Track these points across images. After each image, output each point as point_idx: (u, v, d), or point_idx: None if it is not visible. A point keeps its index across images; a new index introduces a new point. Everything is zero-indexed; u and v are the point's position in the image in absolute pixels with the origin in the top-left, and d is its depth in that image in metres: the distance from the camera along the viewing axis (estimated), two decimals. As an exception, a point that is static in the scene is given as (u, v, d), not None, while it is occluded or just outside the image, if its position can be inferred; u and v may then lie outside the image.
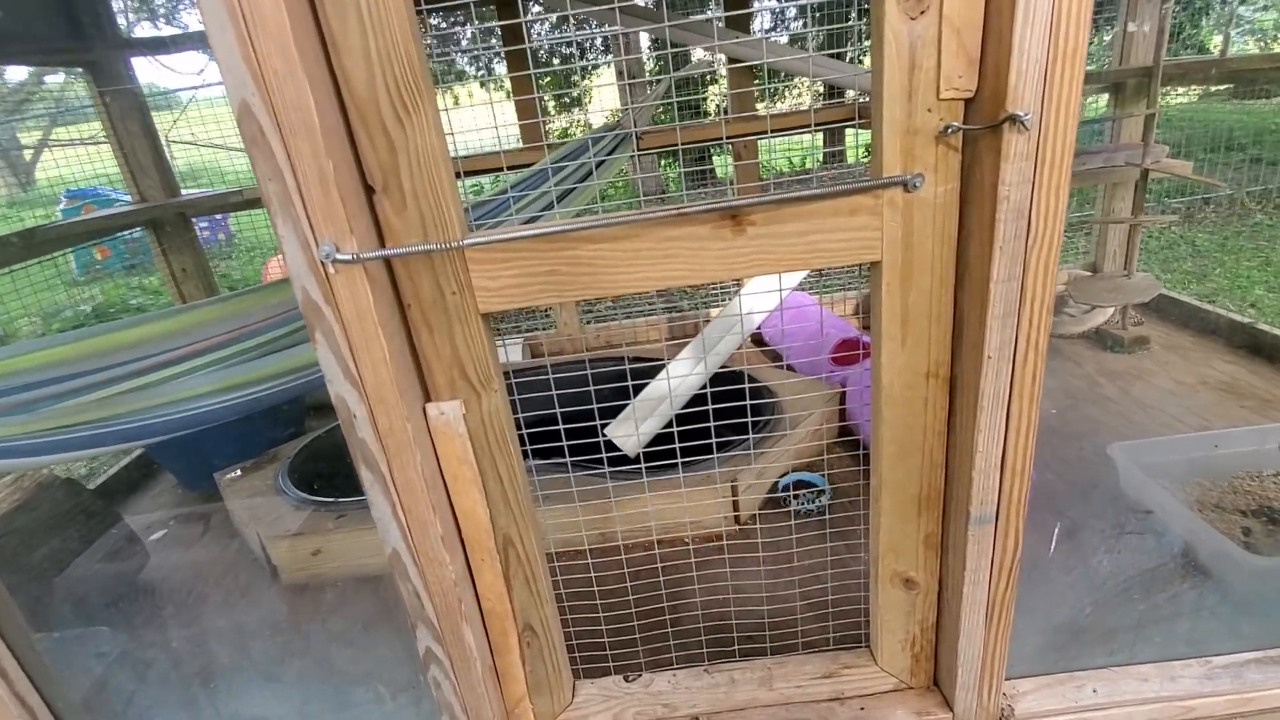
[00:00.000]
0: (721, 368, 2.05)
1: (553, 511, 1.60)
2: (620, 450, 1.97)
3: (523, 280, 0.78)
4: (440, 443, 0.85)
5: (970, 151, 0.74)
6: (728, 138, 2.30)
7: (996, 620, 0.94)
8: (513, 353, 2.73)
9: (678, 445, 1.12)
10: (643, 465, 1.07)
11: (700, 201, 0.75)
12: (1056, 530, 1.08)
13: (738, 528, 1.64)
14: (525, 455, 0.93)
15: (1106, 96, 2.51)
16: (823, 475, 1.71)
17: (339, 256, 0.70)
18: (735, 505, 1.62)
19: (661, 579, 1.30)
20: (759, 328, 2.50)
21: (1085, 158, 2.27)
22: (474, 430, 0.86)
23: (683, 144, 2.45)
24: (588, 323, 3.60)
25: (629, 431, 1.97)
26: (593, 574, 1.21)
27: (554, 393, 0.98)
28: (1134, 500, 1.46)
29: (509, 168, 2.46)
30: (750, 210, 0.75)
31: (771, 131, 2.34)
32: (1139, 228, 2.18)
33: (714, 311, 2.92)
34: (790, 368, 2.26)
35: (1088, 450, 1.70)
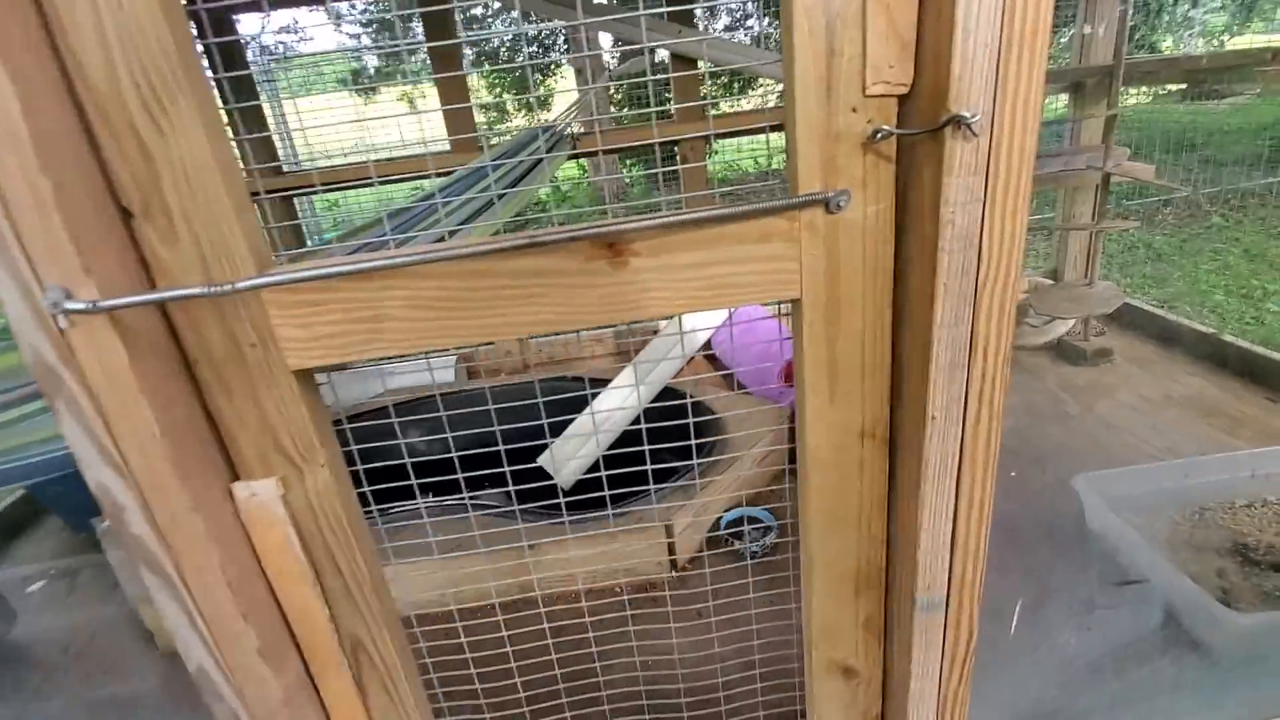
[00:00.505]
0: (664, 389, 1.89)
1: (466, 559, 1.42)
2: (552, 481, 1.80)
3: (345, 328, 0.60)
4: (256, 531, 0.67)
5: (907, 163, 0.59)
6: (663, 139, 2.14)
7: (949, 716, 0.79)
8: (445, 374, 2.53)
9: (606, 485, 0.96)
10: (562, 503, 0.91)
11: (565, 227, 0.58)
12: (1018, 607, 0.95)
13: (675, 574, 1.48)
14: (378, 516, 0.76)
15: (1066, 97, 2.41)
16: (769, 510, 1.57)
17: (70, 305, 0.52)
18: (671, 549, 1.46)
19: (590, 635, 1.14)
20: (711, 341, 2.34)
21: (1044, 160, 2.16)
22: (299, 513, 0.68)
23: (621, 146, 2.28)
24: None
25: (562, 460, 1.80)
26: (505, 632, 1.04)
27: (496, 423, 0.81)
28: (1099, 535, 1.33)
29: (438, 172, 2.27)
30: (631, 238, 0.59)
31: (714, 133, 2.18)
32: (1101, 234, 2.09)
33: (664, 324, 2.76)
34: (742, 386, 2.11)
35: (1051, 477, 1.58)
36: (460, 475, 0.90)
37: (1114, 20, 2.21)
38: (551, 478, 1.70)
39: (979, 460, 0.66)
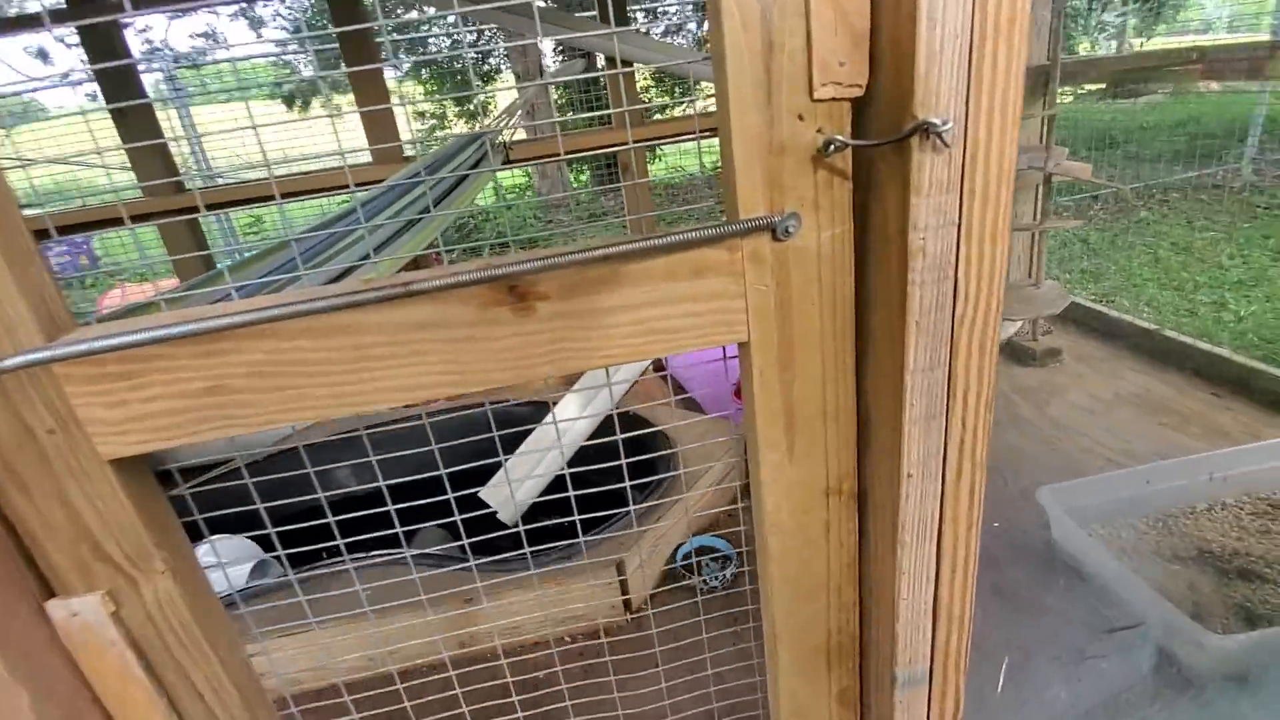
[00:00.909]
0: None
1: (403, 615, 1.28)
2: (496, 518, 1.67)
3: (170, 405, 0.47)
4: (83, 657, 0.53)
5: (866, 179, 0.49)
6: (599, 148, 2.04)
7: (936, 794, 0.71)
8: None
9: (555, 519, 0.84)
10: (525, 535, 0.78)
11: (453, 268, 0.46)
12: (1005, 665, 0.88)
13: (630, 617, 1.37)
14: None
15: None
16: (726, 539, 1.47)
17: None
18: (625, 588, 1.35)
19: (539, 693, 1.01)
20: (663, 359, 2.25)
21: None
22: (138, 631, 0.54)
23: (553, 155, 2.17)
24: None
25: (505, 495, 1.67)
26: (444, 693, 0.91)
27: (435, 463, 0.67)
28: (1066, 550, 1.28)
29: (358, 185, 2.11)
30: (535, 279, 0.48)
31: (648, 141, 2.09)
32: (1044, 234, 2.08)
33: None
34: (695, 405, 2.01)
35: (1013, 488, 1.54)
36: (394, 507, 0.77)
37: (1045, 23, 2.22)
38: (495, 515, 1.57)
39: (961, 519, 0.57)
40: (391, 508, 0.72)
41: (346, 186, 1.94)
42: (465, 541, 0.79)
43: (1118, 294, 3.27)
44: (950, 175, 0.45)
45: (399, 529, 0.72)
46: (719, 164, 0.53)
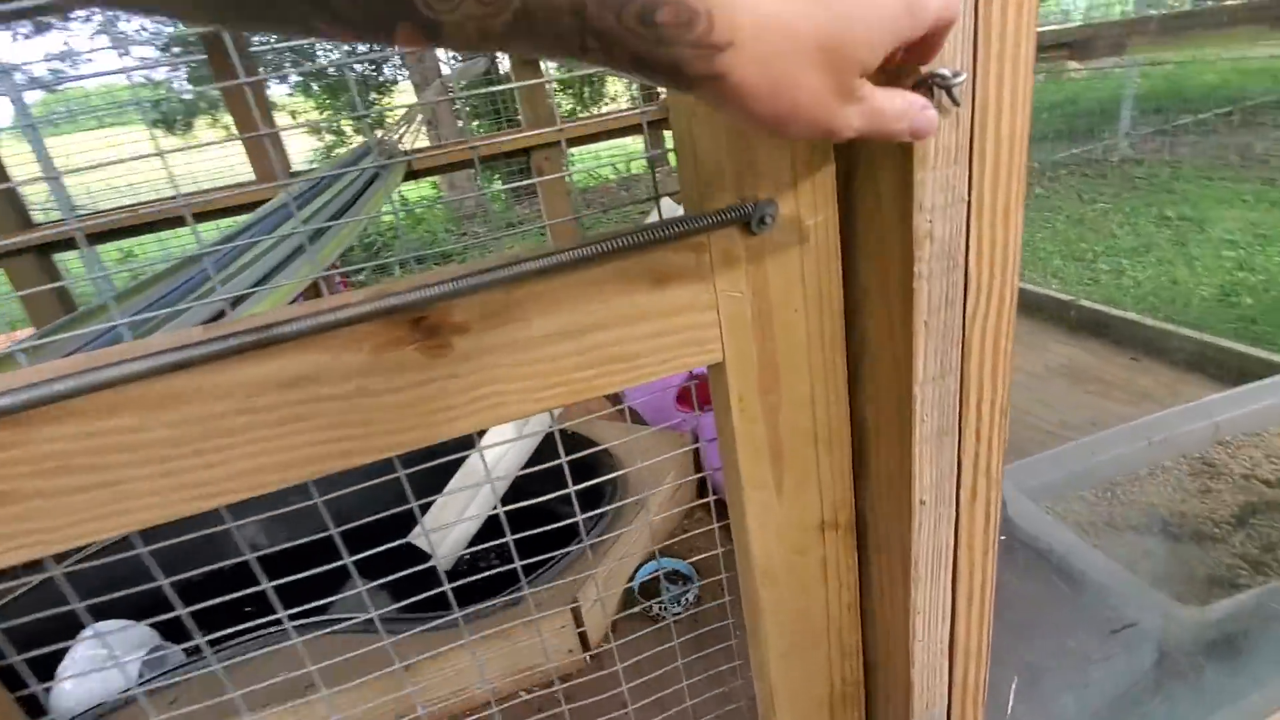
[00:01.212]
0: (549, 432, 1.66)
1: (332, 686, 1.11)
2: (430, 560, 1.51)
3: (-75, 529, 0.33)
4: None
5: (852, 154, 0.40)
6: (511, 149, 1.91)
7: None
8: None
9: (503, 553, 0.71)
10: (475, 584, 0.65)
11: (334, 302, 0.34)
12: (1014, 686, 0.82)
13: (588, 657, 1.25)
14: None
15: None
16: (686, 563, 1.37)
17: None
18: (581, 627, 1.23)
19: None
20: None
21: None
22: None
23: (454, 162, 2.02)
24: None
25: (439, 532, 1.52)
26: None
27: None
28: (1028, 535, 1.26)
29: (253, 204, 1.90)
30: (449, 306, 0.36)
31: (567, 142, 1.98)
32: None
33: None
34: (638, 417, 1.91)
35: None
36: (309, 572, 0.62)
37: None
38: (427, 561, 1.42)
39: (977, 545, 0.49)
40: (305, 573, 0.58)
41: (225, 211, 1.73)
42: (390, 608, 0.66)
43: (1027, 267, 3.41)
44: (959, 141, 0.36)
45: (324, 599, 0.58)
46: (629, 168, 0.43)
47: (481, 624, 1.18)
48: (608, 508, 1.38)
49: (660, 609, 1.29)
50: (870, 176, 0.40)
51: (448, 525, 1.48)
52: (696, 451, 1.61)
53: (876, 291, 0.42)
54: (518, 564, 0.63)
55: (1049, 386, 1.83)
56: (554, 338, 0.39)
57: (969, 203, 0.38)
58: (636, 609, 1.34)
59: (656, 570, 1.37)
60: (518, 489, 1.57)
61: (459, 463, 1.57)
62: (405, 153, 1.69)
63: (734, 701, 1.13)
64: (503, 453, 1.52)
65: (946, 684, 0.54)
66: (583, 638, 1.25)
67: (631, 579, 1.37)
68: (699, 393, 1.70)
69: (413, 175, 1.96)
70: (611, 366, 0.40)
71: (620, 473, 1.50)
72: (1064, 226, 3.97)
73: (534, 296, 0.37)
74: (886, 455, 0.46)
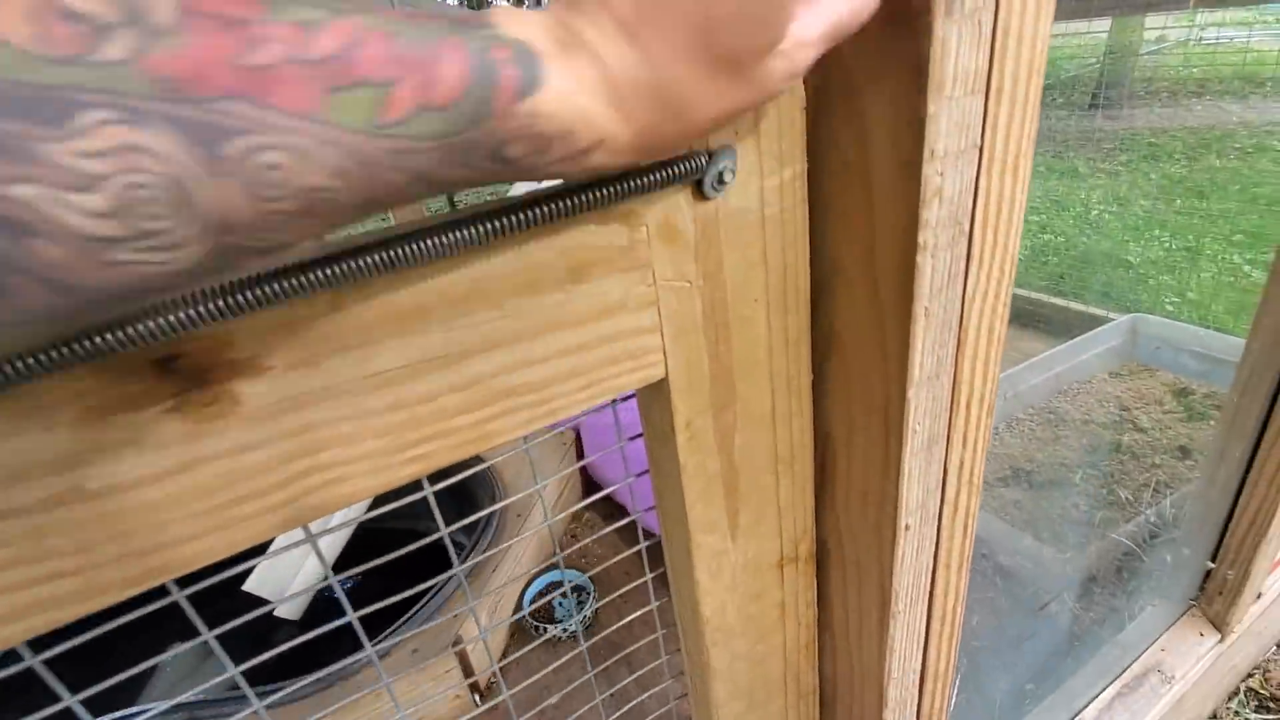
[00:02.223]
0: None
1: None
2: (276, 612, 1.27)
3: None
4: None
5: (827, 88, 0.30)
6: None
7: None
8: None
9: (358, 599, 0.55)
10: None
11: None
12: (958, 678, 0.79)
13: (477, 700, 1.10)
14: None
15: None
16: (578, 570, 1.25)
17: None
18: (468, 670, 1.07)
19: None
20: None
21: None
22: None
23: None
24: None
25: (282, 579, 1.28)
26: None
27: None
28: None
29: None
30: (224, 333, 0.21)
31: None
32: None
33: None
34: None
35: None
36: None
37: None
38: (268, 612, 1.18)
39: (954, 562, 0.41)
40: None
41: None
42: (217, 679, 0.48)
43: None
44: (978, 63, 0.27)
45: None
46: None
47: (345, 685, 0.99)
48: (476, 517, 1.22)
49: (560, 631, 1.16)
50: (849, 113, 0.29)
51: (292, 560, 1.24)
52: (579, 449, 1.49)
53: (854, 271, 0.32)
54: (354, 618, 0.47)
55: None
56: (418, 370, 0.24)
57: (981, 150, 0.29)
58: (530, 643, 1.20)
59: (549, 585, 1.24)
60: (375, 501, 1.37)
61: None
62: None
63: (647, 714, 1.05)
64: None
65: (915, 712, 0.47)
66: (473, 683, 1.09)
67: (521, 600, 1.22)
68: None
69: None
70: (511, 403, 0.27)
71: (481, 469, 1.35)
72: None
73: (381, 309, 0.23)
74: (862, 473, 0.37)
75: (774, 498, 0.38)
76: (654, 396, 0.32)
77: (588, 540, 1.19)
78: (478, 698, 1.09)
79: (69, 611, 0.22)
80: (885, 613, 0.40)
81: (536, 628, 1.18)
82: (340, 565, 1.31)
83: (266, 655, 0.35)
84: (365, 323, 0.23)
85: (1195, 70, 5.90)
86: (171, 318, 0.18)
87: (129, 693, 1.24)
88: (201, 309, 0.19)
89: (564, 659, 0.81)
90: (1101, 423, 1.45)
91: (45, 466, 0.20)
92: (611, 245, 0.27)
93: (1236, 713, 1.09)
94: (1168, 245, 3.20)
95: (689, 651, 0.43)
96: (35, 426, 0.19)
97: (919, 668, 0.45)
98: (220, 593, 0.34)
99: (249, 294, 0.19)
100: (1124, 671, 0.94)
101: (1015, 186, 0.31)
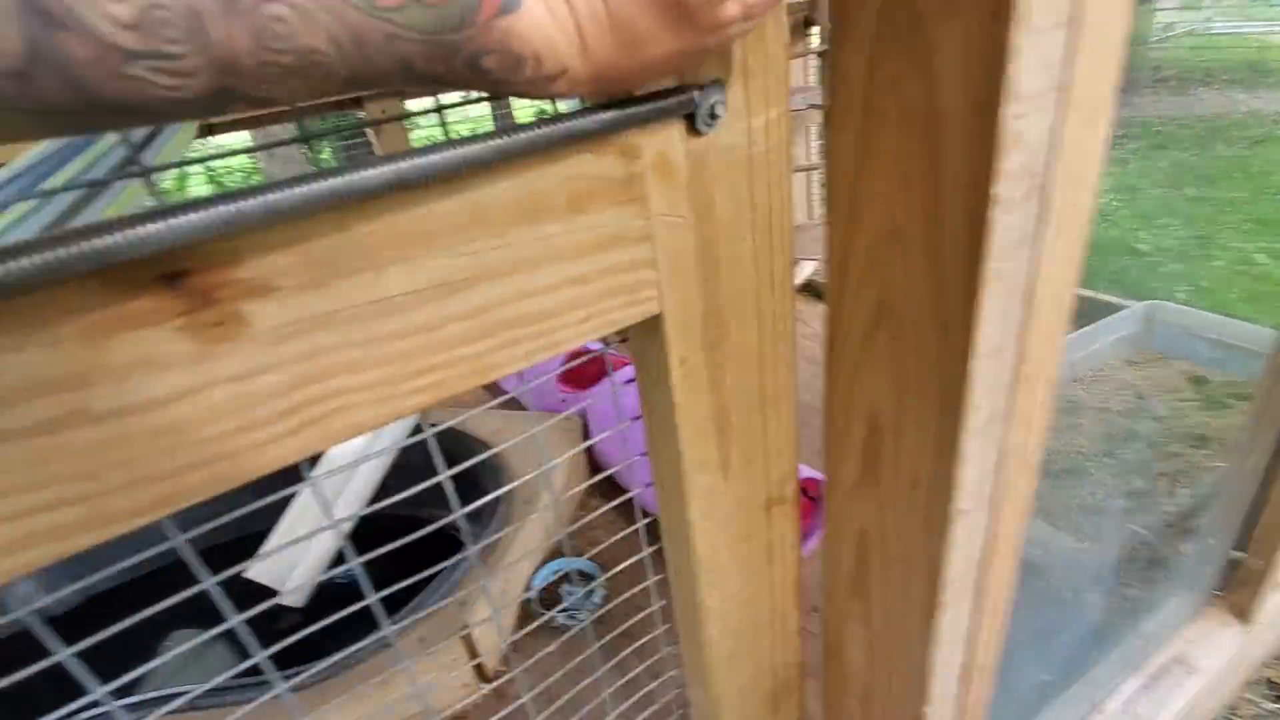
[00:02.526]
0: (414, 427, 1.45)
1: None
2: (278, 600, 1.26)
3: None
4: None
5: (894, 23, 0.30)
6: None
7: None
8: None
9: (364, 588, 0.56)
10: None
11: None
12: None
13: (484, 689, 1.10)
14: None
15: None
16: (591, 560, 1.25)
17: None
18: (474, 655, 1.08)
19: None
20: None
21: None
22: None
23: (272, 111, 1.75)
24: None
25: (286, 564, 1.28)
26: None
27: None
28: None
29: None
30: (231, 249, 0.22)
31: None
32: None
33: None
34: (515, 400, 1.75)
35: None
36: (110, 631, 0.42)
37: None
38: (273, 600, 1.17)
39: (1007, 550, 0.40)
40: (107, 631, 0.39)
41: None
42: (222, 677, 0.48)
43: None
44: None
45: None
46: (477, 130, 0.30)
47: (350, 675, 0.99)
48: (484, 502, 1.23)
49: (567, 618, 1.16)
50: (914, 52, 0.27)
51: (296, 545, 1.24)
52: (586, 432, 1.49)
53: (912, 231, 0.31)
54: (363, 604, 0.48)
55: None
56: (424, 296, 0.25)
57: (1064, 93, 0.27)
58: (536, 623, 1.20)
59: (556, 572, 1.24)
60: (380, 491, 1.37)
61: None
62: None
63: (654, 703, 1.04)
64: (360, 447, 1.30)
65: (956, 709, 0.47)
66: (479, 669, 1.10)
67: (528, 587, 1.23)
68: (591, 368, 1.58)
69: (209, 131, 1.63)
70: (514, 334, 0.28)
71: (489, 455, 1.35)
72: None
73: (386, 232, 0.24)
74: (913, 456, 0.36)
75: (762, 439, 0.39)
76: (649, 335, 0.33)
77: (592, 516, 1.19)
78: (484, 687, 1.10)
79: (72, 543, 0.22)
80: (932, 604, 0.38)
81: (544, 615, 1.18)
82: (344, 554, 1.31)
83: (278, 646, 0.35)
84: (371, 246, 0.24)
85: (1203, 60, 5.84)
86: (182, 222, 0.19)
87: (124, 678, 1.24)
88: (209, 213, 0.19)
89: (571, 646, 0.79)
90: (1118, 411, 1.44)
91: (48, 385, 0.20)
92: (608, 177, 0.27)
93: (1253, 702, 1.07)
94: (1179, 233, 3.17)
95: (683, 594, 0.44)
96: (38, 342, 0.20)
97: (964, 661, 0.44)
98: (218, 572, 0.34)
99: (261, 200, 0.20)
100: (1148, 663, 0.92)
101: (1094, 140, 0.30)
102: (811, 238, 2.08)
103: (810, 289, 2.22)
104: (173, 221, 0.19)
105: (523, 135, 0.24)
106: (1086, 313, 1.84)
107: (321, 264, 0.23)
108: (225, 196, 0.20)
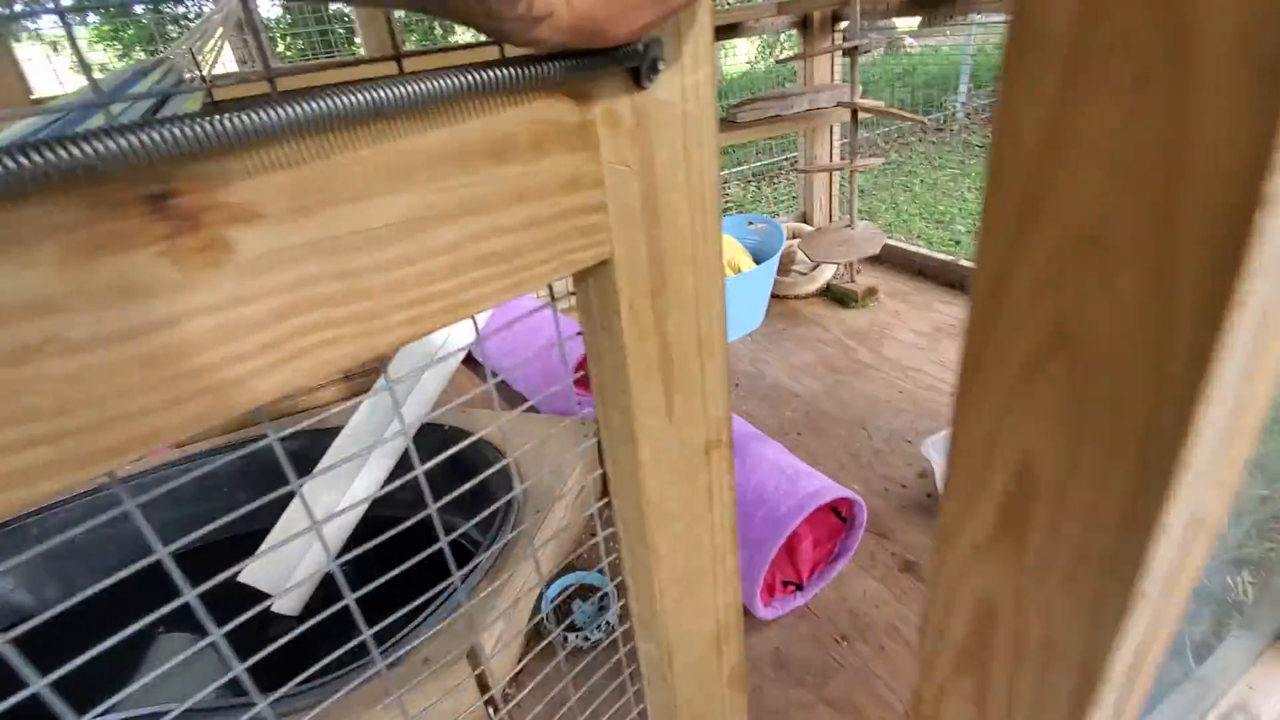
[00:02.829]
0: (422, 426, 1.39)
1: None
2: (273, 607, 1.15)
3: None
4: None
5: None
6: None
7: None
8: None
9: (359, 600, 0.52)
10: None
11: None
12: None
13: (494, 715, 0.98)
14: None
15: (795, 32, 2.41)
16: (599, 573, 1.14)
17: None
18: (483, 682, 0.97)
19: None
20: (475, 352, 1.79)
21: (792, 100, 2.06)
22: None
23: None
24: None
25: (282, 569, 1.18)
26: None
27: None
28: None
29: None
30: (220, 170, 0.24)
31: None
32: (855, 174, 2.10)
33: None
34: (523, 399, 1.75)
35: (877, 440, 1.51)
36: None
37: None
38: (266, 607, 1.09)
39: (1167, 634, 0.31)
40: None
41: None
42: (205, 691, 0.41)
43: (894, 228, 3.55)
44: None
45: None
46: None
47: (350, 699, 0.85)
48: (488, 510, 1.09)
49: (580, 640, 1.05)
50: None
51: (294, 548, 1.14)
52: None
53: (1121, 237, 0.22)
54: (370, 626, 0.49)
55: (940, 347, 1.87)
56: (403, 230, 0.26)
57: None
58: (544, 642, 1.08)
59: (568, 587, 1.15)
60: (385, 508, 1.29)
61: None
62: (203, 78, 1.22)
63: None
64: (348, 476, 1.27)
65: None
66: (486, 692, 0.99)
67: (538, 606, 1.11)
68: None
69: (214, 105, 1.60)
70: (483, 272, 0.29)
71: (499, 465, 1.23)
72: (920, 190, 4.04)
73: (368, 164, 0.25)
74: (1083, 520, 0.27)
75: (700, 383, 0.41)
76: (598, 282, 0.35)
77: (608, 532, 1.14)
78: (494, 713, 1.00)
79: (42, 487, 0.21)
80: (1084, 701, 0.31)
81: (559, 638, 1.07)
82: (343, 557, 1.15)
83: (255, 659, 0.34)
84: (353, 176, 0.24)
85: None
86: (166, 136, 0.20)
87: (107, 689, 1.17)
88: (197, 129, 0.20)
89: (582, 665, 0.74)
90: None
91: (23, 309, 0.19)
92: (566, 122, 0.30)
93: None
94: None
95: (633, 541, 0.46)
96: (14, 260, 0.19)
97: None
98: (206, 577, 0.33)
99: (250, 118, 0.21)
100: (1207, 710, 0.84)
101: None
102: (834, 240, 2.07)
103: (830, 293, 2.21)
104: (154, 134, 0.19)
105: (495, 73, 0.25)
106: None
107: (306, 191, 0.24)
108: (205, 114, 0.20)
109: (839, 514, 1.18)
